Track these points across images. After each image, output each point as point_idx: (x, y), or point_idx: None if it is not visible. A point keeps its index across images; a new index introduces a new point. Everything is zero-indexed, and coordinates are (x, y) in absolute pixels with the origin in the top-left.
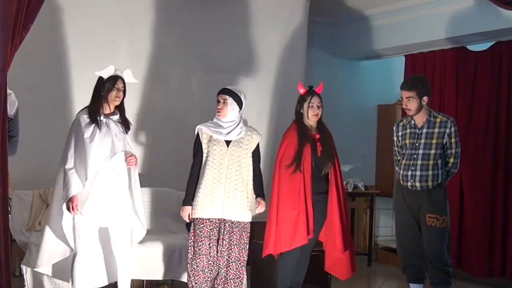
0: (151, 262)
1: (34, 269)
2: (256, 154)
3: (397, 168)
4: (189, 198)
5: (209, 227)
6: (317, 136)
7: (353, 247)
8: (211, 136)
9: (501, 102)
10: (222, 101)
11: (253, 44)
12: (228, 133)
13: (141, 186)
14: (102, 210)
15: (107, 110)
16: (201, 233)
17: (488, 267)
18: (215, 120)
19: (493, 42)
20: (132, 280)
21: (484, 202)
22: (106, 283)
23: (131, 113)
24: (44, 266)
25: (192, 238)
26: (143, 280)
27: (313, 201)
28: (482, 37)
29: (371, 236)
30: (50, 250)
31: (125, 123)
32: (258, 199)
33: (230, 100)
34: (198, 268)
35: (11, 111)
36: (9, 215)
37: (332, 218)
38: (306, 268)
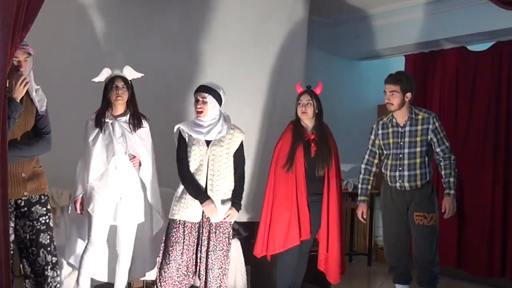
0: None
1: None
2: (239, 154)
3: (363, 165)
4: (203, 193)
5: (185, 231)
6: (312, 137)
7: (343, 250)
8: (190, 135)
9: (501, 102)
10: (201, 100)
11: (253, 44)
12: (208, 132)
13: None
14: (106, 209)
15: (116, 111)
16: (174, 238)
17: (488, 267)
18: (194, 119)
19: (493, 42)
20: (132, 281)
21: (484, 202)
22: (104, 280)
23: None
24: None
25: (164, 242)
26: (143, 280)
27: (309, 202)
28: (482, 37)
29: (371, 236)
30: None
31: (134, 122)
32: (231, 209)
33: (209, 99)
34: (166, 274)
35: (41, 107)
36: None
37: (323, 219)
38: (305, 268)
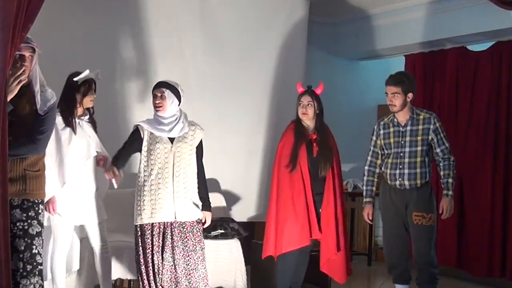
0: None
1: None
2: (199, 150)
3: (366, 167)
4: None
5: (154, 232)
6: (314, 137)
7: (349, 249)
8: (152, 133)
9: (501, 102)
10: (159, 95)
11: (253, 44)
12: (171, 129)
13: None
14: (76, 209)
15: (79, 111)
16: (148, 240)
17: (488, 267)
18: (154, 117)
19: (493, 42)
20: (132, 280)
21: (484, 202)
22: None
23: None
24: None
25: (139, 246)
26: None
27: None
28: (482, 37)
29: (371, 236)
30: None
31: (93, 123)
32: (204, 213)
33: (167, 93)
34: (149, 279)
35: (43, 107)
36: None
37: (327, 219)
38: (306, 268)
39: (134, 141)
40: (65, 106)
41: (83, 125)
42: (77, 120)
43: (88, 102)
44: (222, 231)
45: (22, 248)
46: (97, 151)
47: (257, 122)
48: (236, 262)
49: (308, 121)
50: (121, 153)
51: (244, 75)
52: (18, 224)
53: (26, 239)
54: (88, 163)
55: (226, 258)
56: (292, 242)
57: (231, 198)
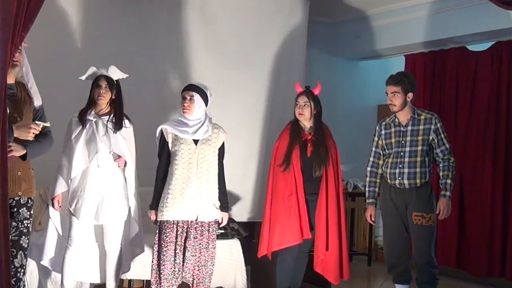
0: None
1: (40, 262)
2: (221, 151)
3: (368, 168)
4: (155, 202)
5: (178, 231)
6: (309, 137)
7: (346, 251)
8: (176, 135)
9: (501, 102)
10: (188, 98)
11: (253, 44)
12: (195, 131)
13: None
14: (89, 208)
15: (100, 110)
16: (168, 238)
17: (488, 267)
18: (179, 118)
19: (493, 42)
20: (132, 280)
21: (484, 202)
22: (97, 281)
23: None
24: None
25: (157, 243)
26: (143, 280)
27: (307, 201)
28: (482, 37)
29: (371, 236)
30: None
31: (116, 122)
32: (222, 213)
33: (196, 97)
34: (162, 276)
35: (37, 100)
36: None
37: (319, 219)
38: (305, 269)
39: (164, 147)
40: (84, 106)
41: (98, 124)
42: (91, 119)
43: (96, 97)
44: (222, 231)
45: (26, 245)
46: (113, 151)
47: (257, 122)
48: (236, 262)
49: (305, 122)
50: (162, 169)
51: (244, 75)
52: (24, 222)
53: (28, 237)
54: (103, 163)
55: (226, 258)
56: (283, 241)
57: (231, 198)
